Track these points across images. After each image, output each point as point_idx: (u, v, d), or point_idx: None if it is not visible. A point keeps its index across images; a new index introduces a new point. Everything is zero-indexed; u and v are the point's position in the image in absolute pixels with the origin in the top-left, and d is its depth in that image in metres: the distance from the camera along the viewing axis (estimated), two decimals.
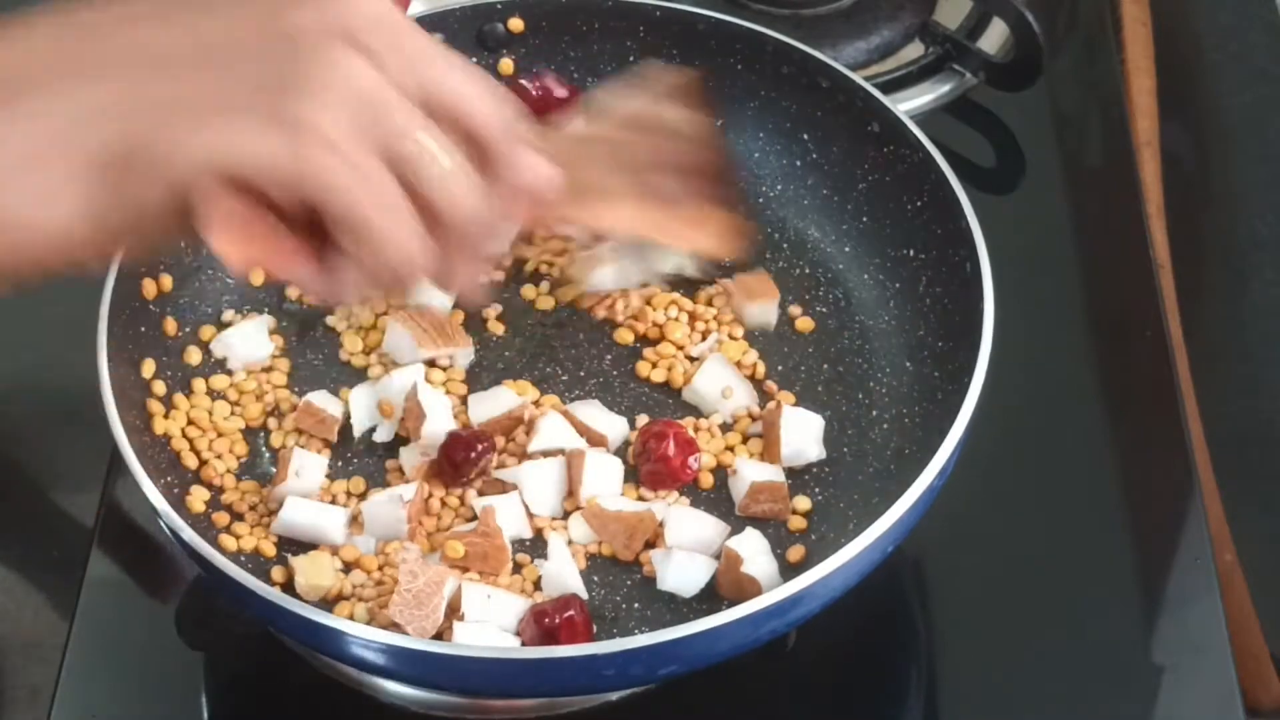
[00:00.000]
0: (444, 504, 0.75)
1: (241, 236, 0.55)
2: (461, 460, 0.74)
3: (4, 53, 0.55)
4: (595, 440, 0.77)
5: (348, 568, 0.73)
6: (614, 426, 0.77)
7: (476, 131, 0.57)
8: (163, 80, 0.55)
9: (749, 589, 0.70)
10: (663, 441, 0.75)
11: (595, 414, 0.78)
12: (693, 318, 0.82)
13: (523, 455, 0.76)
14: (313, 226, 0.56)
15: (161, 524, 0.69)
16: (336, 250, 0.56)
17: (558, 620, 0.69)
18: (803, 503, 0.75)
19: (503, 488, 0.75)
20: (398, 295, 0.79)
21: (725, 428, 0.78)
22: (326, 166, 0.53)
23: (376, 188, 0.54)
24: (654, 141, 0.73)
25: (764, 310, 0.82)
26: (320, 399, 0.78)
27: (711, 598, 0.72)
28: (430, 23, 0.87)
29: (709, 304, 0.83)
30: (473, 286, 0.61)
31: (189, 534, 0.68)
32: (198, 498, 0.75)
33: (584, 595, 0.72)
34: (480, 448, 0.75)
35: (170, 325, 0.79)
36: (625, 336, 0.82)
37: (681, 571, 0.72)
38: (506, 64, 0.88)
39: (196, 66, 0.55)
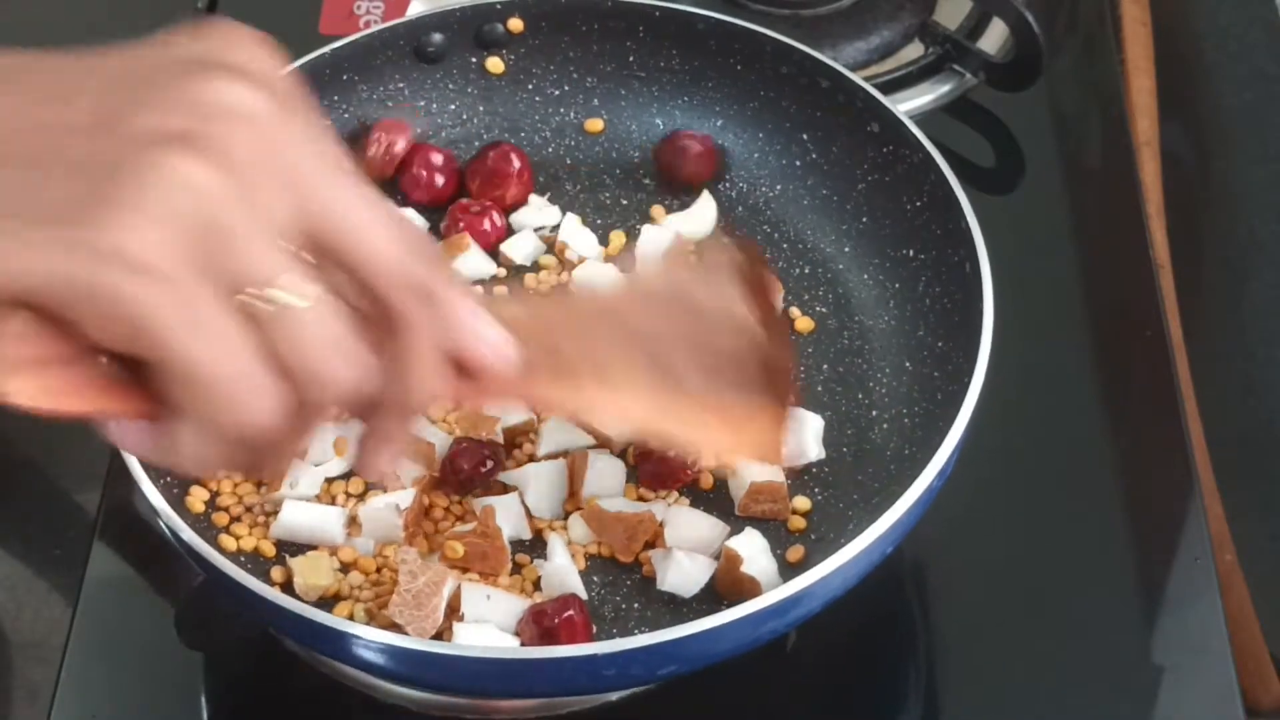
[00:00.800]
0: (447, 511, 0.75)
1: (36, 370, 0.43)
2: (471, 471, 0.74)
3: None
4: (601, 441, 0.77)
5: (346, 568, 0.73)
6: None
7: (371, 276, 0.46)
8: None
9: (749, 589, 0.70)
10: None
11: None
12: None
13: (525, 459, 0.76)
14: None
15: (161, 524, 0.69)
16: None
17: (557, 620, 0.69)
18: (802, 503, 0.75)
19: (502, 488, 0.75)
20: (266, 470, 0.62)
21: None
22: (137, 297, 0.42)
23: (212, 329, 0.43)
24: (691, 325, 0.59)
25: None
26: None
27: (711, 598, 0.72)
28: (430, 23, 0.87)
29: None
30: (374, 469, 0.50)
31: (189, 534, 0.67)
32: (197, 498, 0.74)
33: (583, 595, 0.72)
34: (490, 464, 0.74)
35: None
36: None
37: (681, 572, 0.72)
38: (495, 63, 0.89)
39: (11, 160, 0.44)
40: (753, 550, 0.72)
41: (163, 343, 0.43)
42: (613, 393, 0.57)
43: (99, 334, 0.43)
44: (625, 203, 0.88)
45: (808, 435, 0.76)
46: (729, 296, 0.60)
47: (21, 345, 0.43)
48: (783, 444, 0.63)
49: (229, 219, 0.43)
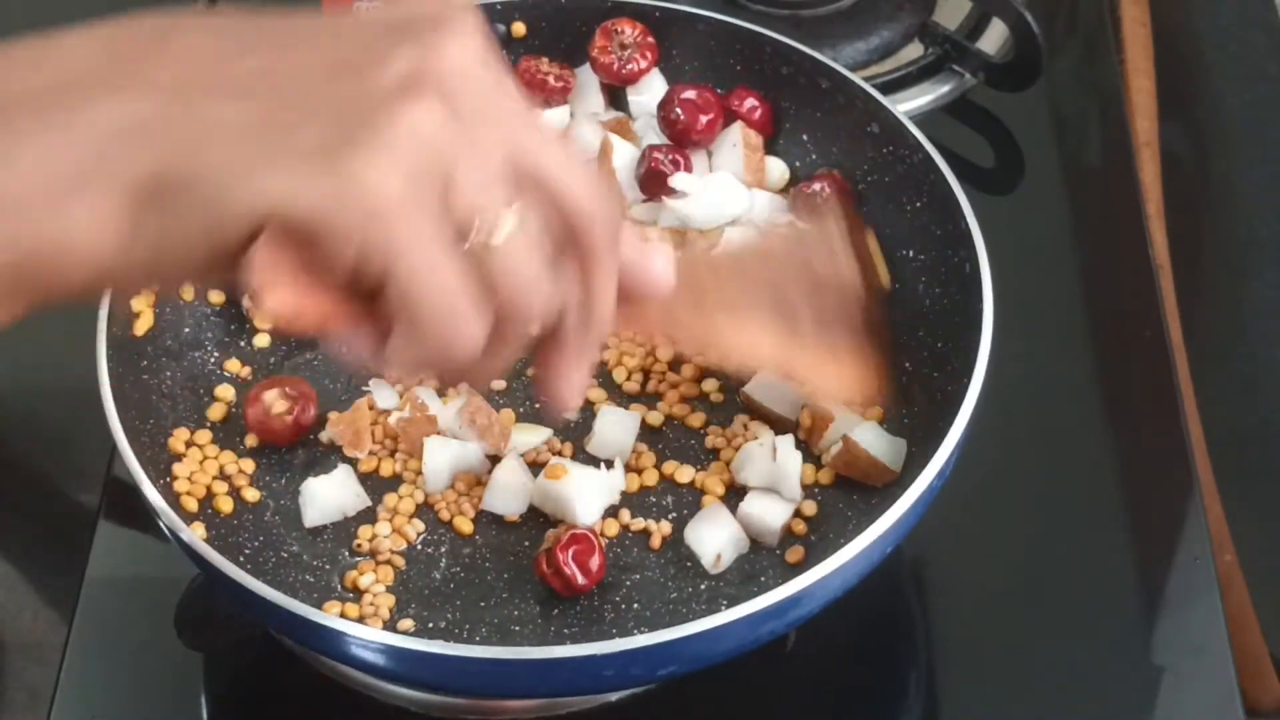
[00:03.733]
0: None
1: (288, 288, 0.49)
2: None
3: (48, 58, 0.49)
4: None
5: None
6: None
7: (570, 213, 0.51)
8: (218, 103, 0.48)
9: (877, 473, 0.74)
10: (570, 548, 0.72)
11: None
12: None
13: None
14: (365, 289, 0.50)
15: (161, 524, 0.69)
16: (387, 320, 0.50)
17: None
18: (804, 505, 0.75)
19: None
20: (464, 383, 0.71)
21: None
22: (385, 231, 0.47)
23: (435, 262, 0.49)
24: (799, 278, 0.68)
25: None
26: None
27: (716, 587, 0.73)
28: None
29: None
30: (563, 398, 0.55)
31: (188, 534, 0.68)
32: (193, 496, 0.74)
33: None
34: None
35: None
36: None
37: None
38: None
39: (263, 97, 0.48)
40: (870, 437, 0.74)
41: (393, 270, 0.48)
42: (741, 329, 0.65)
43: (336, 257, 0.48)
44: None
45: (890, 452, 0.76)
46: (837, 260, 0.68)
47: (279, 270, 0.48)
48: (878, 389, 0.70)
49: (456, 162, 0.48)
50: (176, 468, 0.75)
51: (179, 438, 0.77)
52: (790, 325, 0.67)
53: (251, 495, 0.76)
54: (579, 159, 0.52)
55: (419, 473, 0.76)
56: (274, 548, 0.74)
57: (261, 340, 0.82)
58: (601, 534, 0.74)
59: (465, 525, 0.75)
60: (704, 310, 0.64)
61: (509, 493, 0.75)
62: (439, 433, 0.77)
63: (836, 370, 0.68)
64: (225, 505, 0.75)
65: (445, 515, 0.75)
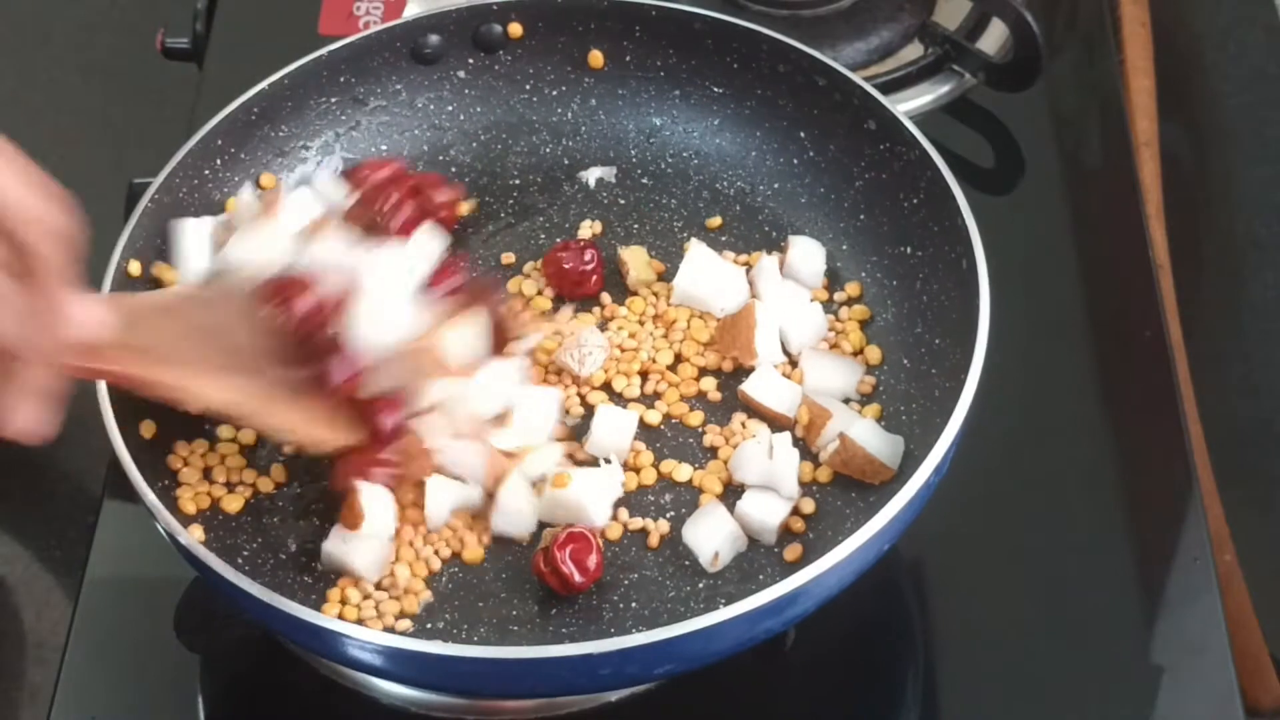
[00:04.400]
0: None
1: None
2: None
3: None
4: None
5: None
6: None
7: (16, 235, 0.52)
8: None
9: (874, 471, 0.74)
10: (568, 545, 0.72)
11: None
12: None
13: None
14: None
15: (158, 526, 0.69)
16: None
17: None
18: (803, 503, 0.75)
19: None
20: None
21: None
22: None
23: None
24: (259, 329, 0.70)
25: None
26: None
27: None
28: (427, 24, 0.87)
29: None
30: (26, 422, 0.57)
31: (184, 536, 0.68)
32: (189, 500, 0.74)
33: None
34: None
35: None
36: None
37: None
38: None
39: None
40: (867, 434, 0.74)
41: None
42: (188, 373, 0.69)
43: None
44: (623, 201, 0.88)
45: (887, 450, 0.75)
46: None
47: None
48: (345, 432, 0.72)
49: None
50: (174, 470, 0.75)
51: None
52: (251, 375, 0.70)
53: (250, 496, 0.76)
54: (23, 166, 0.52)
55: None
56: (272, 549, 0.74)
57: None
58: (601, 534, 0.74)
59: (474, 554, 0.74)
60: (153, 359, 0.67)
61: (518, 514, 0.74)
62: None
63: (306, 420, 0.70)
64: (223, 507, 0.75)
65: (446, 552, 0.74)
